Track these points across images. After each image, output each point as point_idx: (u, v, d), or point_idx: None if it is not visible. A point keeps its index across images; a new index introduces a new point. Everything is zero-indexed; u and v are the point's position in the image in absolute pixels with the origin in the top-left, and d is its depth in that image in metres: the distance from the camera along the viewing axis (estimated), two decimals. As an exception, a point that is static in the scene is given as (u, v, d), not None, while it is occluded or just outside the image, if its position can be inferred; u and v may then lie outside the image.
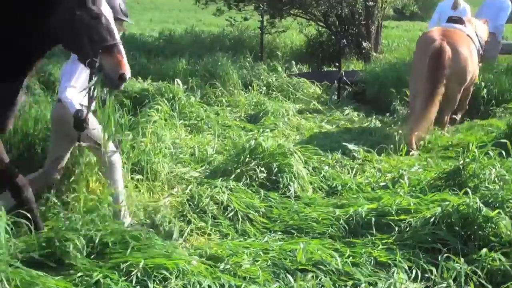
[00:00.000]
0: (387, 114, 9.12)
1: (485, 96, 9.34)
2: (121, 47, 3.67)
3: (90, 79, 3.79)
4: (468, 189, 4.99)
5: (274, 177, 5.76)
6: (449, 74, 7.61)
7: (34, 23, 3.63)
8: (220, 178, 5.65)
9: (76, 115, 4.31)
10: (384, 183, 5.96)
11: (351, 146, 6.92)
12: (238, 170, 5.75)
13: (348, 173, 6.36)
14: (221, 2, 14.09)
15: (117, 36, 3.71)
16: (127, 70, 3.65)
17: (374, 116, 8.90)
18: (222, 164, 6.13)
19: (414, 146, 7.31)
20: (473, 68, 8.17)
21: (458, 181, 5.53)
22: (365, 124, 8.57)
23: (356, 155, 6.82)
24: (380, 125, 8.61)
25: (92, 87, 3.75)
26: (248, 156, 5.90)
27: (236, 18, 14.45)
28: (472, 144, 5.79)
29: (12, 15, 3.61)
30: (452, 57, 7.65)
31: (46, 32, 3.68)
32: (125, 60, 3.67)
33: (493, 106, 9.15)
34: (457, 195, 5.00)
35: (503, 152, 5.82)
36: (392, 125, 8.53)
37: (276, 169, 5.81)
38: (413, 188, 5.62)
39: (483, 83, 9.41)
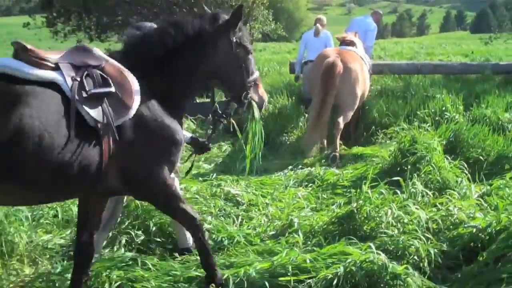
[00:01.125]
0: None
1: (366, 120, 9.26)
2: None
3: (227, 108, 4.44)
4: (365, 235, 4.79)
5: (153, 237, 5.11)
6: (341, 87, 8.27)
7: (199, 61, 3.99)
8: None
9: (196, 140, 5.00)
10: (273, 232, 5.43)
11: (233, 190, 6.30)
12: (110, 234, 5.01)
13: (234, 222, 5.74)
14: (82, 34, 13.16)
15: None
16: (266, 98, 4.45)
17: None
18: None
19: (313, 153, 8.09)
20: (364, 86, 8.93)
21: (353, 225, 5.16)
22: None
23: (240, 199, 6.21)
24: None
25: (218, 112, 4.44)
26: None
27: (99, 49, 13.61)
28: (365, 184, 5.41)
29: (184, 55, 3.92)
30: (344, 72, 8.34)
31: (207, 70, 4.05)
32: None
33: (374, 131, 9.01)
34: (356, 243, 4.60)
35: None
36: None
37: (154, 228, 5.12)
38: (307, 237, 5.13)
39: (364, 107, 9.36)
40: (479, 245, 4.56)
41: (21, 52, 3.42)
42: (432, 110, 9.65)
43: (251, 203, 6.17)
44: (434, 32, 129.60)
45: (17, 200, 3.58)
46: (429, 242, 4.76)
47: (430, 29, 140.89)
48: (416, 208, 5.25)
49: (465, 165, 6.77)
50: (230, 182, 6.59)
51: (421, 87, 11.39)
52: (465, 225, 4.82)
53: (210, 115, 4.56)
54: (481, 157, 7.42)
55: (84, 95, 3.42)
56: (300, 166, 7.81)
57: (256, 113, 4.35)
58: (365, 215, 5.15)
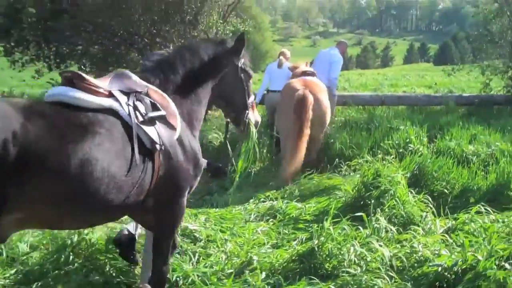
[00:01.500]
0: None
1: (330, 152, 9.13)
2: None
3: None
4: (327, 273, 4.62)
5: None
6: (312, 118, 8.38)
7: (212, 84, 4.33)
8: (36, 283, 4.56)
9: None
10: (232, 270, 5.15)
11: (191, 226, 6.02)
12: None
13: (191, 259, 5.44)
14: (41, 63, 12.80)
15: None
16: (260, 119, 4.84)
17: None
18: (38, 266, 4.94)
19: (290, 182, 8.12)
20: (329, 114, 9.15)
21: (314, 263, 4.92)
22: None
23: (197, 235, 5.93)
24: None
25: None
26: (71, 253, 4.84)
27: (58, 80, 13.22)
28: (326, 220, 5.20)
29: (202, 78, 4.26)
30: (314, 103, 8.46)
31: (216, 93, 4.38)
32: None
33: (337, 163, 8.86)
34: (317, 284, 4.42)
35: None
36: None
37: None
38: (267, 276, 4.87)
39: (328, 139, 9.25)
40: (445, 285, 4.36)
41: (77, 81, 3.51)
42: (396, 142, 9.56)
43: (209, 239, 5.87)
44: (398, 64, 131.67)
45: (78, 224, 3.72)
46: (392, 281, 4.56)
47: (394, 61, 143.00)
48: (379, 245, 5.05)
49: (430, 199, 6.63)
50: (189, 217, 6.31)
51: (385, 118, 11.35)
52: (431, 264, 4.61)
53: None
54: (445, 190, 7.33)
55: (141, 119, 3.61)
56: (262, 199, 7.58)
57: (254, 132, 4.68)
58: (327, 253, 4.95)
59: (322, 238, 5.03)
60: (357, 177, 7.40)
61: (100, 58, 12.77)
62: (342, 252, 4.91)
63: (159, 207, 3.88)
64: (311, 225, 6.09)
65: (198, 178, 4.11)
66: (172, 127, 3.80)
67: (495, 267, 4.16)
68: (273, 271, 5.01)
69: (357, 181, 7.03)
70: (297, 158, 8.24)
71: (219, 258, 5.42)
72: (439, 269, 4.49)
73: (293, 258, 5.06)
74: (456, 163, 8.13)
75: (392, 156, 8.78)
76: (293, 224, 6.41)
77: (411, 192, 6.65)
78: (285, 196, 7.57)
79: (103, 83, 3.68)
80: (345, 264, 4.81)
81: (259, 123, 4.79)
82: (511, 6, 16.39)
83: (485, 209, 6.13)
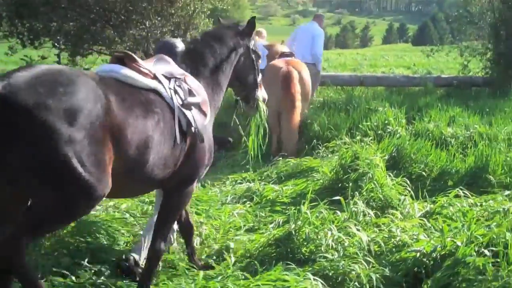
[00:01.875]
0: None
1: (308, 133, 9.03)
2: None
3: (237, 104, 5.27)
4: (304, 258, 4.55)
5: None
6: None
7: (231, 67, 4.71)
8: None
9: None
10: (206, 256, 5.05)
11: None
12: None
13: (164, 243, 5.32)
14: (14, 40, 12.44)
15: None
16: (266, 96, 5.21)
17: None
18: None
19: (295, 153, 8.42)
20: (311, 90, 9.50)
21: (291, 248, 4.82)
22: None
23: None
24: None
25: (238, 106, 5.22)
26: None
27: (32, 56, 12.88)
28: (303, 204, 5.10)
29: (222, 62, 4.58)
30: (299, 79, 8.77)
31: (234, 74, 4.76)
32: None
33: (315, 144, 8.75)
34: (294, 269, 4.27)
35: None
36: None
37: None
38: (242, 260, 4.78)
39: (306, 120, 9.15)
40: (423, 271, 4.29)
41: (128, 61, 3.77)
42: (375, 124, 9.45)
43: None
44: (377, 44, 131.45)
45: (126, 194, 4.34)
46: (370, 266, 4.48)
47: (373, 41, 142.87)
48: (357, 229, 4.97)
49: (408, 182, 6.57)
50: (163, 199, 6.17)
51: (364, 99, 11.24)
52: (409, 250, 4.54)
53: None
54: (424, 173, 7.28)
55: (180, 102, 3.90)
56: (238, 181, 7.47)
57: (263, 108, 5.12)
58: (304, 237, 4.85)
59: (299, 222, 4.94)
60: (335, 159, 7.30)
61: (75, 35, 12.45)
62: (319, 237, 4.82)
63: (174, 187, 4.13)
64: (288, 207, 5.99)
65: (207, 168, 4.41)
66: (204, 114, 4.14)
67: (474, 253, 4.09)
68: (248, 255, 4.91)
69: (335, 163, 6.95)
70: (294, 132, 8.68)
71: (196, 243, 5.29)
72: (418, 254, 4.41)
73: (270, 242, 4.96)
74: (435, 146, 8.09)
75: (370, 138, 8.68)
76: (270, 207, 6.32)
77: (389, 175, 6.59)
78: (262, 178, 7.46)
79: (148, 65, 3.93)
80: (322, 249, 4.71)
81: (266, 99, 5.16)
82: (491, -13, 16.33)
83: (464, 192, 6.08)
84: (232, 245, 5.08)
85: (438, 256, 4.31)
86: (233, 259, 4.73)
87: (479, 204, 5.85)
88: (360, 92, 14.23)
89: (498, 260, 4.09)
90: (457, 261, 4.05)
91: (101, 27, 12.65)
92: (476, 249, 4.17)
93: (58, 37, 11.93)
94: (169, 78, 3.97)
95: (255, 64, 4.93)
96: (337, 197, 5.62)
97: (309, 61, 10.68)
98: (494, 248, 4.22)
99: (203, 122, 4.11)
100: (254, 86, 4.99)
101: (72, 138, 2.92)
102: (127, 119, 3.33)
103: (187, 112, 3.91)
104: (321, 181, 6.81)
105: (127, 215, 5.67)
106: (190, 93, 4.03)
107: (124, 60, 3.79)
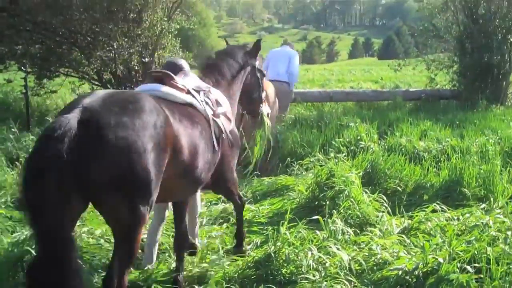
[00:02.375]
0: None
1: (281, 150, 9.00)
2: None
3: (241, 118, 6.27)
4: (285, 280, 4.48)
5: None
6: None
7: (242, 83, 5.40)
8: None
9: None
10: (185, 282, 4.93)
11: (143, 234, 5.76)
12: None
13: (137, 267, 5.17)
14: (-21, 62, 12.26)
15: None
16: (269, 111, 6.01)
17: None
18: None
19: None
20: (277, 108, 9.49)
21: (271, 270, 4.74)
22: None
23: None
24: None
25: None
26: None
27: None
28: (282, 225, 5.03)
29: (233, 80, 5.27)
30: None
31: (242, 89, 5.42)
32: None
33: (289, 162, 8.70)
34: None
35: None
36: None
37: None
38: (220, 284, 4.67)
39: (277, 137, 9.09)
40: (407, 290, 4.25)
41: (166, 79, 4.25)
42: (347, 140, 9.47)
43: (159, 247, 5.62)
44: (343, 59, 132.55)
45: (177, 197, 4.52)
46: (352, 286, 4.43)
47: (339, 56, 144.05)
48: (337, 248, 4.91)
49: (384, 198, 6.55)
50: (139, 225, 6.03)
51: (335, 115, 11.26)
52: (391, 268, 4.48)
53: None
54: (399, 188, 7.29)
55: (211, 112, 4.44)
56: (214, 202, 7.37)
57: (267, 122, 5.85)
58: (284, 258, 4.78)
59: (279, 243, 4.86)
60: (310, 176, 7.27)
61: (41, 58, 12.30)
62: (299, 257, 4.75)
63: (217, 183, 4.84)
64: (265, 227, 5.93)
65: (237, 157, 5.13)
66: (229, 120, 4.77)
67: (457, 270, 4.06)
68: (228, 279, 4.81)
69: (311, 181, 6.91)
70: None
71: (171, 269, 5.16)
72: (400, 272, 4.36)
73: (249, 264, 4.87)
74: (408, 160, 8.11)
75: (344, 154, 8.66)
76: (247, 228, 6.23)
77: (366, 192, 6.56)
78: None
79: (182, 80, 4.40)
80: (303, 269, 4.64)
81: (270, 114, 5.84)
82: (455, 1, 16.58)
83: (440, 207, 6.08)
84: (210, 270, 4.97)
85: (421, 274, 4.26)
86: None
87: (456, 218, 5.85)
88: (330, 108, 14.28)
89: (481, 276, 4.07)
90: (440, 279, 4.02)
91: (67, 49, 12.53)
92: (459, 265, 4.15)
93: (24, 60, 11.74)
94: (198, 91, 4.44)
95: (260, 82, 5.63)
96: (316, 216, 5.56)
97: (284, 80, 10.73)
98: (476, 265, 4.20)
99: (230, 128, 4.72)
100: (260, 101, 5.71)
101: (146, 148, 3.20)
102: (181, 129, 3.74)
103: (218, 120, 4.46)
104: (297, 199, 6.77)
105: (102, 241, 5.53)
106: (218, 103, 4.59)
107: (162, 78, 4.25)
